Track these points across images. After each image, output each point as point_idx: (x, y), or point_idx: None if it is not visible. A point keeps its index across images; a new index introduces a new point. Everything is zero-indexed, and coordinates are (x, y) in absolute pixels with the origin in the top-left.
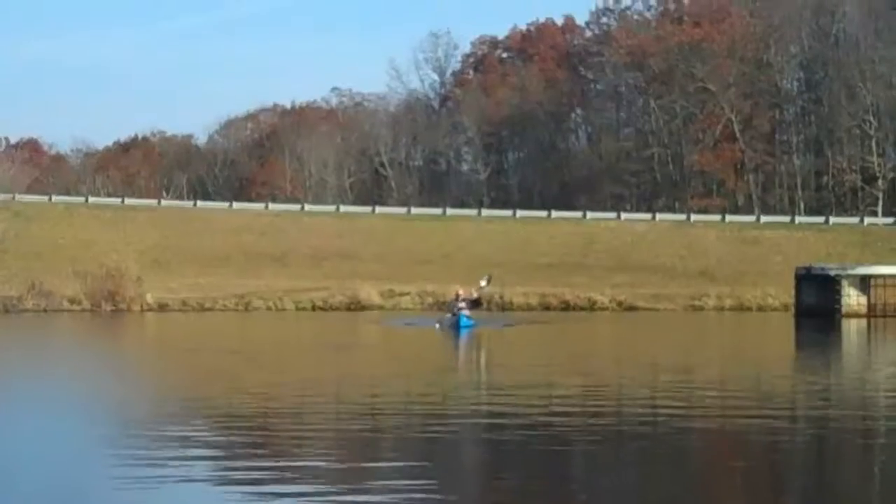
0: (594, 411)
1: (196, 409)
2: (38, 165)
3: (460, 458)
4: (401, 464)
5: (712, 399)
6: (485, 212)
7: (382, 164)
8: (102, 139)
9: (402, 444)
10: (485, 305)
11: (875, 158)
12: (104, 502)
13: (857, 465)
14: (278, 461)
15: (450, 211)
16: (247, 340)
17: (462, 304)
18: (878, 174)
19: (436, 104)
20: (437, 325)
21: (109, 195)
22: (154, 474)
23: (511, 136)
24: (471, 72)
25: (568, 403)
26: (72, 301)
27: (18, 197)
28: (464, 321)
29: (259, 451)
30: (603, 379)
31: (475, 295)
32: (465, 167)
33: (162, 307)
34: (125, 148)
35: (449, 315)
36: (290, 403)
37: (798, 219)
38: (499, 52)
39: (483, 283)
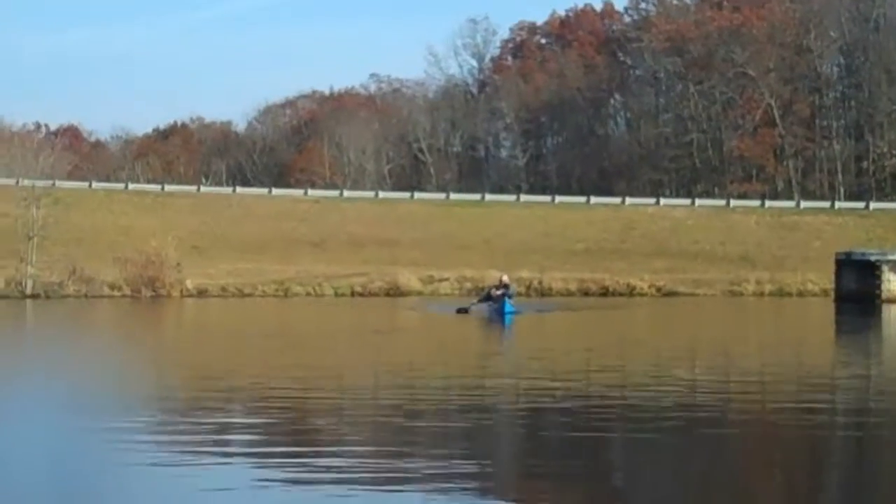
0: (631, 401)
1: (234, 394)
2: (77, 152)
3: (501, 445)
4: (440, 449)
5: (753, 387)
6: (523, 197)
7: (421, 150)
8: (142, 126)
9: (441, 426)
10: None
11: None
12: (135, 483)
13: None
14: (317, 439)
15: (488, 197)
16: (285, 325)
17: (500, 292)
18: None
19: (474, 90)
20: (472, 308)
21: (149, 182)
22: (192, 461)
23: (549, 121)
24: (509, 58)
25: (606, 391)
26: (112, 287)
27: (59, 184)
28: (508, 307)
29: (296, 436)
30: (641, 367)
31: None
32: (503, 153)
33: (201, 293)
34: (164, 135)
35: (475, 301)
36: (330, 387)
37: (838, 204)
38: (537, 37)
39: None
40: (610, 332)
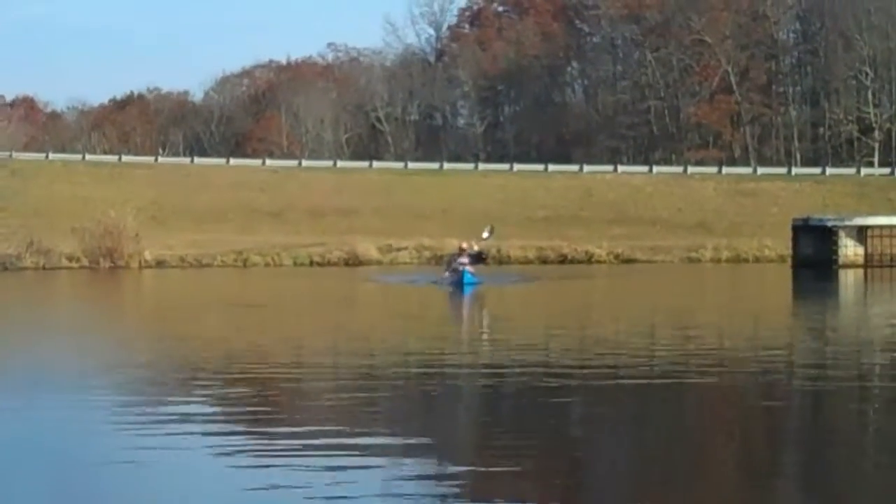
0: (591, 365)
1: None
2: (34, 123)
3: (458, 413)
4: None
5: (710, 352)
6: (482, 166)
7: (379, 120)
8: (98, 97)
9: (398, 399)
10: (489, 260)
11: (871, 109)
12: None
13: (852, 415)
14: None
15: (447, 165)
16: (244, 296)
17: (465, 260)
18: (874, 125)
19: (432, 59)
20: (437, 282)
21: (105, 153)
22: (155, 432)
23: (507, 89)
24: (466, 26)
25: (565, 357)
26: (70, 258)
27: (15, 155)
28: (468, 278)
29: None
30: (604, 332)
31: (476, 248)
32: (461, 122)
33: (160, 264)
34: (121, 105)
35: (446, 273)
36: (288, 357)
37: (794, 170)
38: (494, 5)
39: (485, 234)
40: (571, 301)
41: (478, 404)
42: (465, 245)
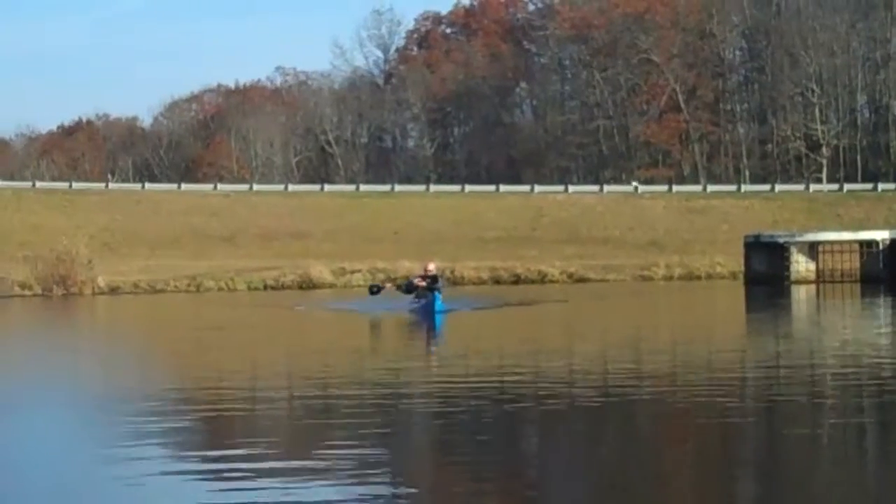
0: (546, 388)
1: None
2: None
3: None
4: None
5: (665, 372)
6: (433, 187)
7: (328, 142)
8: (46, 123)
9: None
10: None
11: (819, 126)
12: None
13: (805, 430)
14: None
15: (398, 187)
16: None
17: (426, 283)
18: (821, 141)
19: (380, 81)
20: (388, 287)
21: (54, 179)
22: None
23: (456, 111)
24: (415, 48)
25: (519, 382)
26: (23, 286)
27: None
28: (440, 305)
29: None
30: (565, 356)
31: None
32: (411, 143)
33: (113, 290)
34: (69, 131)
35: (415, 299)
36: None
37: (744, 187)
38: (442, 27)
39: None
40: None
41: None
42: (431, 266)
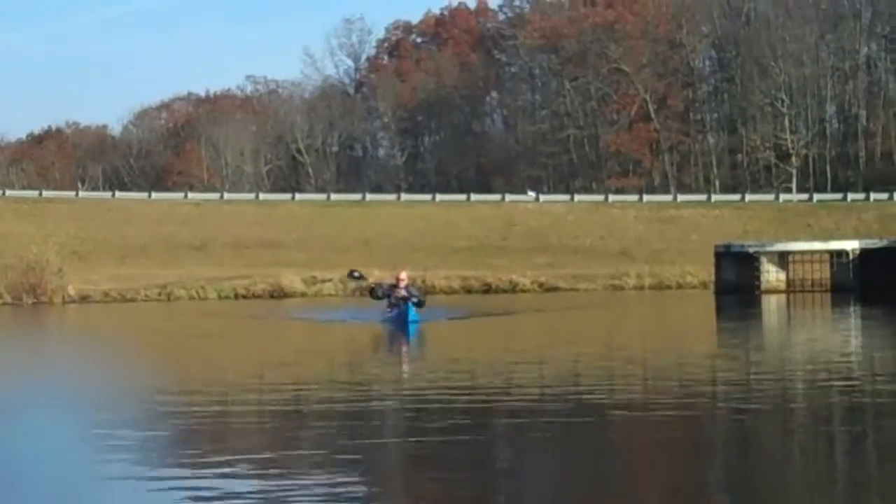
0: (517, 400)
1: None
2: None
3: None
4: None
5: (640, 384)
6: (404, 196)
7: (299, 151)
8: (15, 131)
9: None
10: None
11: (788, 136)
12: None
13: (775, 442)
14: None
15: (369, 196)
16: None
17: (405, 293)
18: (791, 151)
19: (351, 90)
20: (380, 319)
21: (24, 188)
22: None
23: (427, 120)
24: (385, 57)
25: (490, 393)
26: None
27: None
28: (413, 315)
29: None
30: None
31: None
32: (381, 152)
33: (83, 299)
34: (38, 140)
35: (388, 308)
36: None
37: (714, 197)
38: (413, 36)
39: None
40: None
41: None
42: (403, 276)
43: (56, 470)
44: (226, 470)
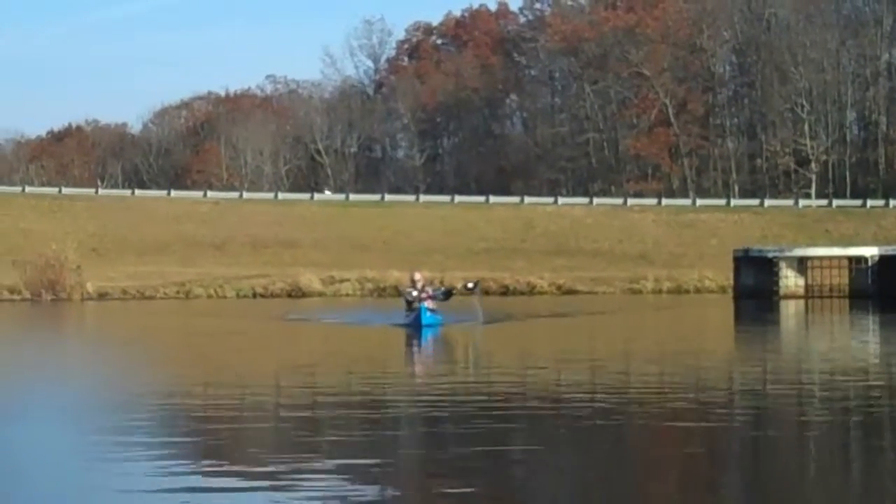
0: (534, 404)
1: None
2: None
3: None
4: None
5: (656, 391)
6: (423, 197)
7: (318, 151)
8: (36, 129)
9: None
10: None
11: (808, 141)
12: None
13: (791, 451)
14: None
15: (388, 197)
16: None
17: (424, 294)
18: (810, 156)
19: (370, 91)
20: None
21: (43, 185)
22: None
23: (446, 122)
24: (405, 58)
25: (500, 398)
26: (11, 291)
27: None
28: (426, 318)
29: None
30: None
31: (443, 287)
32: (400, 154)
33: (102, 296)
34: (59, 137)
35: (407, 312)
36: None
37: (733, 201)
38: (433, 38)
39: (470, 284)
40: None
41: None
42: (417, 276)
43: (57, 472)
44: (236, 479)
